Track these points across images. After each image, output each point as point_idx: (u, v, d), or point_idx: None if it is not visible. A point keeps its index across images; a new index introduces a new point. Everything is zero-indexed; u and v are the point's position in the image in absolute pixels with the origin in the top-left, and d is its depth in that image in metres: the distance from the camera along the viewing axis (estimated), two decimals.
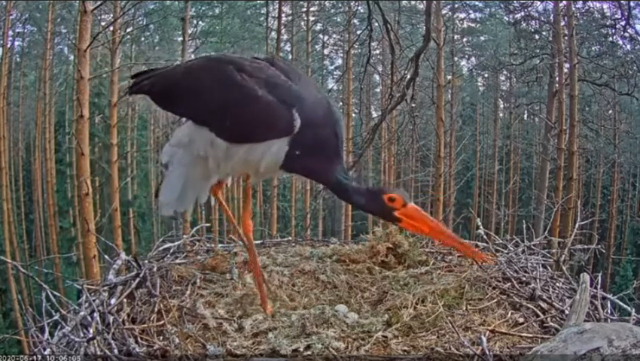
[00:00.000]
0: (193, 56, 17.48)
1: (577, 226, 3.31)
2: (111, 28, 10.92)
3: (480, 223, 3.44)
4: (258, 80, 2.13)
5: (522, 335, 2.24)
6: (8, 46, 14.74)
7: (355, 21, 14.78)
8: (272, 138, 2.13)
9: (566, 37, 10.62)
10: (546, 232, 3.88)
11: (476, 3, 17.80)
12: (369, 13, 6.18)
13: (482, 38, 20.65)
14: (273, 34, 14.56)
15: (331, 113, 2.20)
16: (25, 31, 17.07)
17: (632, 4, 8.62)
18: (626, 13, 8.57)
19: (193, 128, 2.31)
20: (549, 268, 3.01)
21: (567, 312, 2.35)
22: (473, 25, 20.25)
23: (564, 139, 10.77)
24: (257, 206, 18.99)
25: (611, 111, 16.79)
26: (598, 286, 2.58)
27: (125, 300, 2.52)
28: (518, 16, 13.77)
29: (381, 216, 2.21)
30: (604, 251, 10.52)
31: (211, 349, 2.13)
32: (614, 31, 12.12)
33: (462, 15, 18.91)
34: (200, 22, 17.94)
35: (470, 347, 2.04)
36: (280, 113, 2.09)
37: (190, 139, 2.35)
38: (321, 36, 19.58)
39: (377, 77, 17.06)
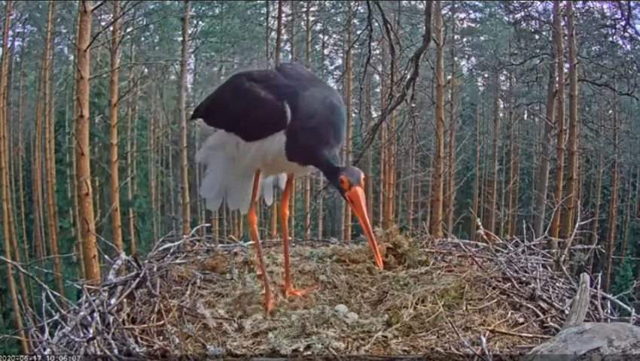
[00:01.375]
0: (193, 56, 17.52)
1: (577, 226, 3.31)
2: (111, 28, 10.91)
3: (479, 223, 3.44)
4: (261, 85, 2.45)
5: (522, 335, 2.24)
6: (8, 46, 14.75)
7: (355, 21, 14.78)
8: (271, 131, 2.41)
9: (566, 37, 10.63)
10: (546, 232, 3.88)
11: (476, 3, 17.79)
12: (369, 13, 6.18)
13: (482, 38, 20.63)
14: (273, 34, 14.55)
15: (326, 105, 2.41)
16: (25, 31, 17.07)
17: (632, 4, 8.63)
18: (626, 13, 8.57)
19: (225, 135, 2.67)
20: (549, 268, 3.01)
21: (567, 312, 2.35)
22: (473, 25, 20.24)
23: (564, 139, 10.77)
24: (257, 206, 18.98)
25: (610, 111, 16.79)
26: (598, 286, 2.58)
27: (125, 300, 2.52)
28: (518, 16, 13.78)
29: (341, 195, 2.34)
30: (604, 251, 10.52)
31: (211, 349, 2.13)
32: (614, 31, 12.12)
33: (462, 15, 18.91)
34: (200, 22, 17.93)
35: (470, 347, 2.04)
36: (272, 108, 2.39)
37: (221, 144, 2.73)
38: (321, 36, 19.57)
39: (377, 77, 17.06)
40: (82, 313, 2.36)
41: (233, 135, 2.60)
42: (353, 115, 17.42)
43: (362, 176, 2.30)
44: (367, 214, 2.28)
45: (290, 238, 3.89)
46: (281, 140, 2.39)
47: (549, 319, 2.36)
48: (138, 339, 2.20)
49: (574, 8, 11.11)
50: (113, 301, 2.47)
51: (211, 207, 3.09)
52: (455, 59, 17.64)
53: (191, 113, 3.12)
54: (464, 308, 2.43)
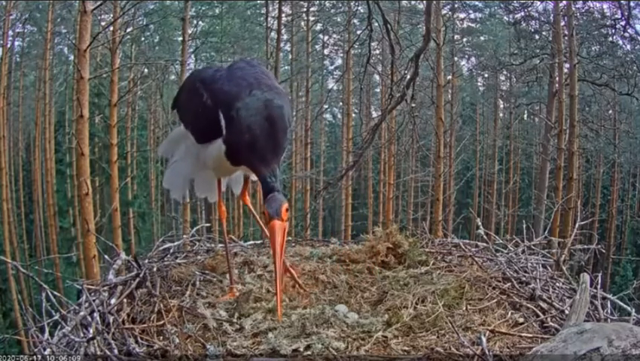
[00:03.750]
0: (193, 56, 17.50)
1: (577, 226, 3.31)
2: (111, 28, 10.91)
3: (479, 223, 3.44)
4: (206, 88, 2.42)
5: (522, 335, 2.23)
6: (8, 46, 14.75)
7: (355, 21, 14.77)
8: (210, 139, 2.39)
9: (566, 37, 10.63)
10: (546, 232, 3.88)
11: (476, 3, 17.79)
12: (369, 13, 6.17)
13: (482, 38, 20.62)
14: (273, 34, 14.55)
15: (265, 115, 2.28)
16: (25, 31, 17.07)
17: (632, 4, 8.63)
18: (626, 13, 8.56)
19: (184, 130, 2.71)
20: (549, 268, 3.01)
21: (567, 312, 2.35)
22: (473, 25, 20.23)
23: (564, 139, 10.77)
24: (257, 206, 18.99)
25: (610, 111, 16.80)
26: (598, 286, 2.58)
27: (125, 300, 2.52)
28: (518, 16, 13.79)
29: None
30: (604, 251, 10.54)
31: (211, 349, 2.13)
32: (614, 31, 12.12)
33: (462, 15, 18.89)
34: (200, 22, 17.92)
35: (470, 347, 2.04)
36: (209, 116, 2.34)
37: (183, 137, 2.77)
38: (321, 36, 19.56)
39: (377, 77, 17.03)
40: (82, 313, 2.36)
41: (188, 132, 2.64)
42: (353, 115, 17.44)
43: (284, 207, 2.15)
44: (280, 252, 2.12)
45: (290, 238, 3.90)
46: (221, 147, 2.35)
47: (549, 319, 2.36)
48: (138, 339, 2.20)
49: (574, 8, 11.10)
50: (113, 301, 2.47)
51: (175, 197, 3.16)
52: (455, 59, 17.62)
53: None
54: (464, 308, 2.43)
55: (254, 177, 2.63)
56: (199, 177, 2.84)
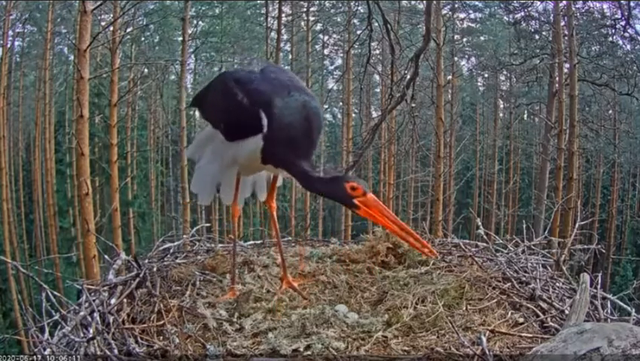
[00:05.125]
0: (193, 56, 17.52)
1: (577, 226, 3.31)
2: (111, 28, 10.90)
3: (480, 223, 3.44)
4: (241, 88, 2.49)
5: (522, 335, 2.23)
6: (8, 46, 14.74)
7: (355, 21, 14.77)
8: (247, 135, 2.46)
9: (566, 37, 10.62)
10: (546, 232, 3.88)
11: (476, 3, 17.79)
12: (369, 13, 6.17)
13: (482, 38, 20.61)
14: (273, 34, 14.55)
15: (305, 116, 2.42)
16: (25, 31, 17.06)
17: (632, 4, 8.62)
18: (626, 13, 8.56)
19: (212, 131, 2.76)
20: (549, 268, 3.01)
21: (567, 312, 2.35)
22: (473, 25, 20.22)
23: (564, 139, 10.77)
24: (257, 206, 18.99)
25: (610, 111, 16.79)
26: (598, 286, 2.58)
27: (125, 300, 2.52)
28: (518, 16, 13.79)
29: (341, 202, 2.39)
30: (604, 251, 10.53)
31: (211, 349, 2.12)
32: (614, 31, 12.13)
33: (462, 15, 18.89)
34: (200, 22, 17.93)
35: (470, 347, 2.04)
36: (248, 114, 2.42)
37: (210, 138, 2.82)
38: (321, 36, 19.56)
39: (377, 77, 17.02)
40: (82, 313, 2.36)
41: (218, 132, 2.68)
42: (353, 115, 17.42)
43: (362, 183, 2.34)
44: (393, 216, 2.32)
45: (290, 238, 3.90)
46: (257, 144, 2.43)
47: (549, 319, 2.36)
48: (138, 339, 2.20)
49: (574, 8, 11.10)
50: (113, 301, 2.47)
51: (203, 202, 3.16)
52: (455, 59, 17.61)
53: (192, 112, 3.17)
54: (464, 308, 2.43)
55: (279, 182, 2.93)
56: (224, 181, 2.86)
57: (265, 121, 2.38)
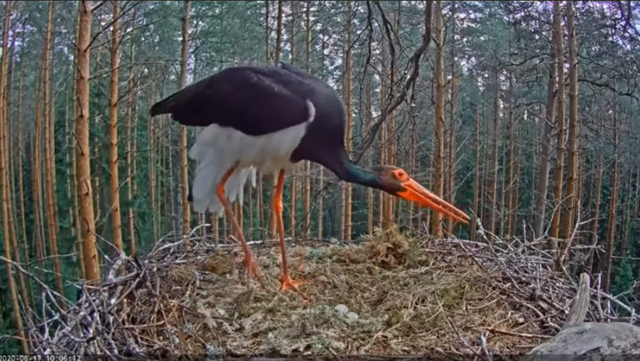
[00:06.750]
0: (193, 56, 17.51)
1: (577, 226, 3.31)
2: (111, 28, 10.91)
3: (480, 223, 3.43)
4: (273, 79, 2.48)
5: (522, 335, 2.23)
6: (8, 46, 14.75)
7: (355, 21, 14.78)
8: (290, 124, 2.44)
9: (566, 37, 10.63)
10: (546, 232, 3.88)
11: (476, 3, 17.82)
12: (369, 13, 6.17)
13: (482, 38, 20.63)
14: (273, 34, 14.55)
15: (339, 107, 2.54)
16: (25, 31, 17.10)
17: (632, 4, 8.62)
18: (626, 13, 8.56)
19: (219, 129, 2.63)
20: (549, 268, 3.01)
21: (567, 312, 2.35)
22: (473, 25, 20.25)
23: (564, 139, 10.77)
24: (257, 206, 19.00)
25: (610, 111, 16.80)
26: (598, 286, 2.58)
27: (125, 300, 2.51)
28: (518, 16, 13.80)
29: (388, 189, 2.57)
30: (604, 251, 10.54)
31: (211, 349, 2.12)
32: (614, 31, 12.13)
33: (462, 15, 18.93)
34: (200, 22, 17.93)
35: (470, 347, 2.04)
36: (296, 103, 2.42)
37: (215, 138, 2.68)
38: (321, 36, 19.58)
39: (377, 77, 17.03)
40: (82, 313, 2.35)
41: (230, 129, 2.57)
42: (353, 115, 17.44)
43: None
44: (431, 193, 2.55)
45: (290, 238, 3.90)
46: (298, 133, 2.43)
47: (549, 319, 2.36)
48: (138, 339, 2.20)
49: (574, 8, 11.10)
50: (113, 301, 2.47)
51: (198, 209, 3.06)
52: (455, 59, 17.63)
53: None
54: (464, 308, 2.42)
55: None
56: (232, 177, 2.79)
57: (313, 110, 2.40)
